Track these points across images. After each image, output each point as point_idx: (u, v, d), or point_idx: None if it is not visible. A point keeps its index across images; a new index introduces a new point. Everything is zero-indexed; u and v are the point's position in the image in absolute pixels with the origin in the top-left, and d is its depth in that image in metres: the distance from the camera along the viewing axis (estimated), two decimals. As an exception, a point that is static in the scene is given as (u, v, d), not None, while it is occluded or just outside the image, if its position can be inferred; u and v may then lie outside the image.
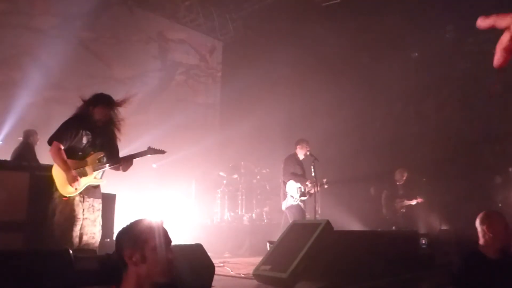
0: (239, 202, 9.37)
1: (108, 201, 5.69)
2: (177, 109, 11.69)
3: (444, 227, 7.76)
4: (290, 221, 6.54)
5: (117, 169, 4.31)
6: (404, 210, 8.23)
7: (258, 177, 9.63)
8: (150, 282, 1.83)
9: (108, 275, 2.77)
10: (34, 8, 9.81)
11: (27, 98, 8.93)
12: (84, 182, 4.09)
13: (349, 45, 10.45)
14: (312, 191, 6.69)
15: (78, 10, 9.90)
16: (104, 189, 5.56)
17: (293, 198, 6.65)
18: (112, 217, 5.67)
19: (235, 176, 9.60)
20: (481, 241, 2.93)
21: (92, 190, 4.20)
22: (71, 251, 2.90)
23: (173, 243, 3.51)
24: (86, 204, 4.12)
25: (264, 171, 9.63)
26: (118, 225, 5.37)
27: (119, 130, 4.44)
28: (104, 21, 10.83)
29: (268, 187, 9.55)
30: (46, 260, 2.80)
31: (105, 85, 10.31)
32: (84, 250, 3.92)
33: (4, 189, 4.67)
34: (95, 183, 4.22)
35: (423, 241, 5.94)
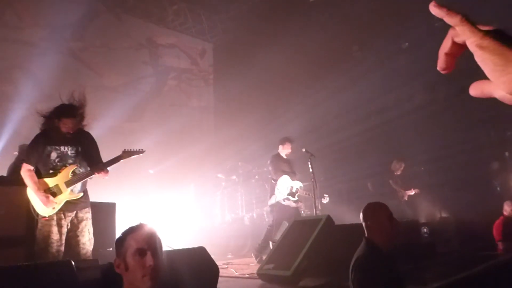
0: (239, 202, 9.37)
1: (108, 210, 5.69)
2: (171, 114, 11.68)
3: (444, 215, 7.79)
4: (271, 216, 6.71)
5: (101, 177, 4.09)
6: (406, 199, 8.32)
7: (257, 176, 9.63)
8: None
9: (111, 284, 2.77)
10: (22, 21, 9.77)
11: (21, 112, 8.89)
12: (60, 199, 3.94)
13: (338, 39, 10.46)
14: (304, 194, 6.79)
15: (66, 20, 9.87)
16: (103, 198, 5.58)
17: (280, 193, 6.65)
18: (113, 225, 5.66)
19: (234, 177, 9.61)
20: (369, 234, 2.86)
21: (72, 204, 4.03)
22: (73, 263, 2.89)
23: (176, 247, 3.53)
24: (68, 219, 3.99)
25: (262, 170, 9.64)
26: (120, 234, 5.37)
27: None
28: (92, 30, 10.79)
29: (267, 186, 9.55)
30: (49, 273, 2.79)
31: (97, 94, 10.32)
32: (86, 260, 3.89)
33: (2, 204, 4.65)
34: (72, 198, 4.02)
35: (425, 230, 5.96)
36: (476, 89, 0.74)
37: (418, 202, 8.25)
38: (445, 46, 0.72)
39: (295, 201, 6.70)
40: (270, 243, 5.83)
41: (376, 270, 2.54)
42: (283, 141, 6.98)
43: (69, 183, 3.97)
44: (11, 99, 8.97)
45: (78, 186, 4.07)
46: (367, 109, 10.22)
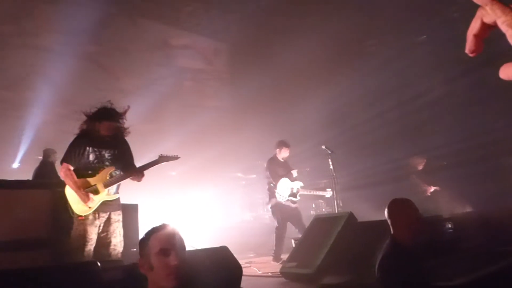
0: (259, 201, 9.37)
1: (131, 212, 5.74)
2: (188, 114, 11.73)
3: (467, 210, 7.65)
4: (275, 219, 6.68)
5: (134, 179, 4.25)
6: (429, 195, 8.22)
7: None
8: None
9: (135, 284, 2.79)
10: (39, 28, 9.93)
11: (41, 117, 9.06)
12: (97, 199, 4.06)
13: (355, 34, 10.38)
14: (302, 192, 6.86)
15: (82, 25, 9.99)
16: (125, 200, 5.62)
17: (281, 196, 6.69)
18: (136, 227, 5.71)
19: (253, 176, 9.61)
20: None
21: (107, 204, 4.15)
22: (98, 263, 2.92)
23: (199, 247, 3.53)
24: (102, 219, 4.10)
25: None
26: (143, 235, 5.41)
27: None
28: (108, 34, 10.91)
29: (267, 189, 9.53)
30: (75, 274, 2.82)
31: (114, 97, 10.39)
32: (111, 261, 3.94)
33: (27, 207, 4.74)
34: (108, 198, 4.15)
35: (449, 225, 5.85)
36: (506, 72, 0.72)
37: (440, 197, 8.12)
38: (474, 27, 0.70)
39: (294, 202, 6.76)
40: (292, 241, 5.81)
41: (401, 268, 2.50)
42: (280, 145, 7.00)
43: (107, 184, 4.10)
44: (31, 104, 9.12)
45: (114, 187, 4.20)
46: (387, 103, 10.11)
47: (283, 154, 6.97)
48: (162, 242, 1.83)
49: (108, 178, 4.13)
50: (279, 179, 6.72)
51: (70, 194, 4.07)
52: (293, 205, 6.76)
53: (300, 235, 6.49)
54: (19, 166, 8.49)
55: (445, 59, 9.27)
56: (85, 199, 3.97)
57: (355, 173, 9.40)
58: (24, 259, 4.43)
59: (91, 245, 3.99)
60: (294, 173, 6.90)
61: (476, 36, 0.71)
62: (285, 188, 6.73)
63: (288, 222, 6.70)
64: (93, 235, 4.01)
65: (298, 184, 6.83)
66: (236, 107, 12.94)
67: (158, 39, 12.00)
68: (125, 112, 4.31)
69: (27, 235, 4.54)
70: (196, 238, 6.43)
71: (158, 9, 11.42)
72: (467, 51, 0.74)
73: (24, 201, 4.77)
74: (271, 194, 6.82)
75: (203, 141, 10.84)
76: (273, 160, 6.98)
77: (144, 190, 5.82)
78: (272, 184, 6.82)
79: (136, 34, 11.40)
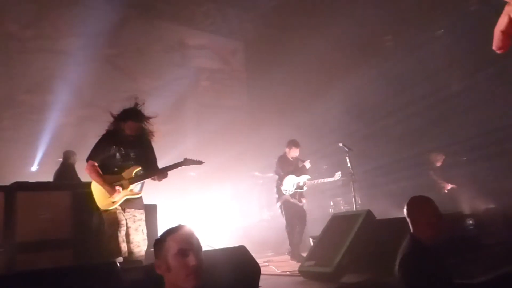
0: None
1: (150, 212, 5.79)
2: (206, 114, 11.78)
3: (489, 206, 7.51)
4: (284, 216, 6.80)
5: (154, 179, 4.37)
6: (447, 191, 8.11)
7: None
8: None
9: (155, 284, 2.82)
10: (58, 31, 10.10)
11: (61, 119, 9.21)
12: (122, 194, 4.18)
13: (372, 30, 10.28)
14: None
15: (99, 28, 10.10)
16: (144, 200, 5.70)
17: (287, 190, 6.84)
18: (155, 227, 5.77)
19: (270, 174, 9.59)
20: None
21: (131, 202, 4.27)
22: (118, 263, 2.96)
23: (216, 247, 3.55)
24: (127, 214, 4.21)
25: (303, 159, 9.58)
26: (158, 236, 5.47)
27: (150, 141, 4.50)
28: (125, 36, 11.02)
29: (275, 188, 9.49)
30: (94, 274, 2.87)
31: (132, 99, 10.54)
32: (131, 261, 3.99)
33: (49, 209, 4.83)
34: (132, 196, 4.27)
35: (470, 222, 5.76)
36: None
37: (461, 193, 7.99)
38: (501, 23, 0.68)
39: (301, 200, 6.90)
40: (310, 239, 5.79)
41: (423, 267, 2.47)
42: (290, 144, 7.09)
43: (132, 182, 4.24)
44: (52, 108, 9.27)
45: (138, 186, 4.33)
46: (406, 98, 9.99)
47: (292, 153, 7.06)
48: (180, 243, 1.83)
49: (133, 176, 4.27)
50: (285, 176, 6.86)
51: (95, 188, 4.21)
52: (300, 204, 6.90)
53: (300, 233, 6.73)
54: (37, 168, 8.63)
55: (464, 52, 9.12)
56: (112, 191, 4.09)
57: (372, 170, 9.32)
58: (46, 259, 4.52)
59: (123, 230, 4.09)
60: (307, 164, 7.00)
61: (503, 32, 0.70)
62: (291, 183, 6.87)
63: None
64: (123, 221, 4.13)
65: (304, 178, 6.93)
66: (253, 106, 12.94)
67: (174, 39, 12.08)
68: (151, 117, 4.45)
69: (49, 236, 4.63)
70: (215, 238, 6.47)
71: (173, 10, 11.50)
72: (494, 47, 0.72)
73: (46, 203, 4.86)
74: (279, 192, 6.94)
75: (220, 141, 10.88)
76: (281, 158, 7.09)
77: (163, 190, 5.88)
78: (279, 181, 6.96)
79: (152, 35, 11.50)
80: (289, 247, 6.75)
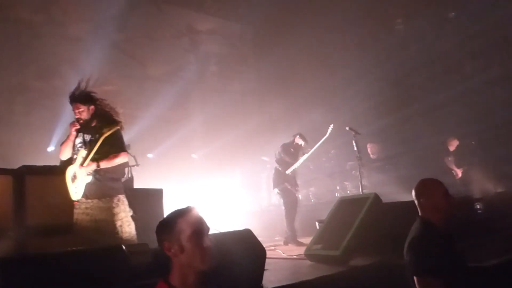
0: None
1: (156, 197, 5.82)
2: (214, 99, 11.76)
3: (499, 190, 7.44)
4: (284, 201, 7.01)
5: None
6: (460, 175, 8.07)
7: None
8: (193, 271, 1.83)
9: (162, 267, 2.84)
10: (68, 17, 10.10)
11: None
12: (80, 183, 3.95)
13: (380, 13, 10.14)
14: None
15: (108, 13, 10.09)
16: (150, 185, 5.73)
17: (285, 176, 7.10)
18: (161, 211, 5.79)
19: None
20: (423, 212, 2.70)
21: (91, 188, 3.98)
22: (124, 247, 2.98)
23: (223, 230, 3.56)
24: (89, 203, 3.99)
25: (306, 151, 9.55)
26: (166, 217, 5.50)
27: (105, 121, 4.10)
28: (134, 21, 11.00)
29: (311, 167, 9.46)
30: (102, 258, 2.89)
31: (142, 84, 10.56)
32: (137, 244, 3.98)
33: (59, 193, 4.85)
34: (88, 180, 3.95)
35: (478, 206, 5.71)
36: None
37: (472, 178, 7.93)
38: None
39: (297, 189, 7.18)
40: (317, 223, 5.79)
41: (433, 250, 2.44)
42: (295, 136, 7.27)
43: (82, 167, 3.93)
44: (61, 93, 9.29)
45: (91, 173, 3.97)
46: (415, 82, 9.87)
47: (296, 143, 7.22)
48: (194, 224, 1.84)
49: (82, 160, 3.96)
50: (286, 166, 7.06)
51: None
52: (294, 192, 7.14)
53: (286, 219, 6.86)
54: (54, 150, 8.70)
55: (476, 36, 8.95)
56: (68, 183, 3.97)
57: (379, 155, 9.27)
58: (57, 244, 4.54)
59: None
60: (305, 156, 7.13)
61: None
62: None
63: None
64: (79, 220, 4.02)
65: (301, 160, 7.14)
66: (262, 90, 12.90)
67: (183, 24, 12.03)
68: (86, 93, 4.08)
69: (57, 220, 4.65)
70: (223, 222, 6.50)
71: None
72: None
73: (55, 187, 4.88)
74: (279, 178, 7.11)
75: (228, 125, 10.88)
76: (285, 147, 7.24)
77: (169, 175, 5.90)
78: (280, 168, 7.12)
79: (161, 20, 11.46)
80: (287, 233, 6.89)
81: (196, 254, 1.80)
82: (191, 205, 1.95)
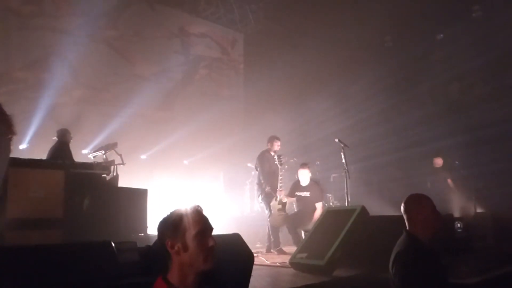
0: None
1: (140, 196, 5.79)
2: (202, 103, 11.73)
3: (479, 210, 7.58)
4: (267, 209, 6.85)
5: None
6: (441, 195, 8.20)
7: (286, 166, 9.56)
8: (193, 270, 1.82)
9: (149, 266, 2.80)
10: (59, 10, 9.97)
11: (57, 99, 9.10)
12: None
13: (372, 30, 10.30)
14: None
15: (101, 9, 10.02)
16: (136, 185, 5.69)
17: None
18: (145, 211, 5.75)
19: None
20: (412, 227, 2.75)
21: None
22: (113, 244, 2.93)
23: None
24: None
25: (292, 160, 9.57)
26: (151, 219, 5.46)
27: None
28: (126, 19, 10.93)
29: (296, 176, 9.47)
30: (90, 253, 2.84)
31: (129, 82, 10.46)
32: (126, 242, 3.92)
33: (42, 187, 4.77)
34: None
35: (458, 225, 5.81)
36: None
37: (452, 196, 8.06)
38: None
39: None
40: (302, 232, 5.80)
41: (418, 264, 2.48)
42: (271, 139, 7.19)
43: None
44: (47, 86, 9.15)
45: None
46: (402, 98, 10.03)
47: (274, 148, 7.13)
48: (200, 224, 1.83)
49: None
50: (267, 176, 6.96)
51: None
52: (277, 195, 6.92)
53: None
54: (27, 147, 8.50)
55: (460, 59, 9.17)
56: None
57: (365, 169, 9.38)
58: (36, 238, 4.46)
59: None
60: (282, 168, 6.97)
61: None
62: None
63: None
64: None
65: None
66: (249, 98, 12.93)
67: (175, 26, 12.00)
68: None
69: (41, 214, 4.58)
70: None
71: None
72: None
73: (38, 180, 4.80)
74: (261, 185, 7.03)
75: (214, 130, 10.86)
76: (263, 155, 7.16)
77: (154, 177, 5.86)
78: (261, 176, 7.05)
79: (153, 20, 11.41)
80: (268, 241, 6.79)
81: (199, 254, 1.79)
82: (197, 204, 1.94)
